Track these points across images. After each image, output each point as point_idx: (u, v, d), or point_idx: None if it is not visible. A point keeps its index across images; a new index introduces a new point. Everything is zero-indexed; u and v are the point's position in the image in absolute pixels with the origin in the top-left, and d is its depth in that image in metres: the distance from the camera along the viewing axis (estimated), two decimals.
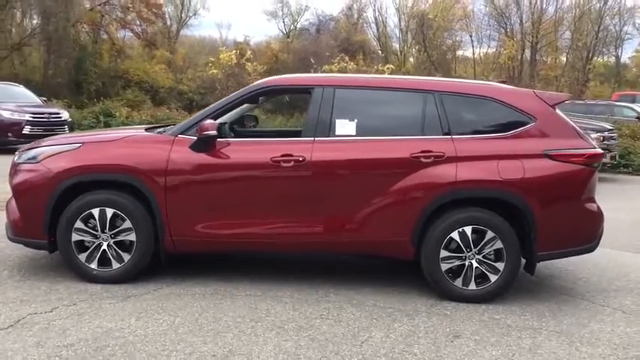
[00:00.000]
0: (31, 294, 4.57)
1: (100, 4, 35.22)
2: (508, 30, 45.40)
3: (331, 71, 29.90)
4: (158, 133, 5.08)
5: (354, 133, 4.84)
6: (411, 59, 46.78)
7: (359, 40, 40.76)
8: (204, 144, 4.75)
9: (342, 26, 44.37)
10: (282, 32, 48.25)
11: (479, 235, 4.72)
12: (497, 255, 4.75)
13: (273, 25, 52.89)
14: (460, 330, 4.23)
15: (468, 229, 4.71)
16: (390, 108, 4.97)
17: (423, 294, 4.91)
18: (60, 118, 15.03)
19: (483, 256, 4.74)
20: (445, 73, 41.58)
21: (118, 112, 18.46)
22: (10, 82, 17.13)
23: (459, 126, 4.84)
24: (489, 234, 4.71)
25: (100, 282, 4.81)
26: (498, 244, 4.72)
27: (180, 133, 4.87)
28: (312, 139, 4.81)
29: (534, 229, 4.71)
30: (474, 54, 47.32)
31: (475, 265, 4.75)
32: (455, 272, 4.78)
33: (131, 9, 36.94)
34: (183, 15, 47.14)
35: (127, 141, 5.00)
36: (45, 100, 16.47)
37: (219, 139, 4.85)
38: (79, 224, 4.77)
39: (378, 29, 46.66)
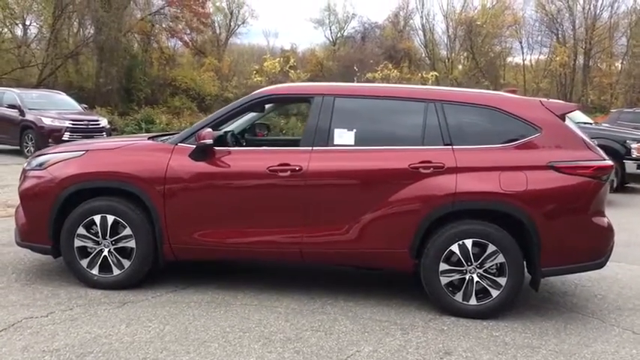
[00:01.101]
0: (32, 298, 4.68)
1: (150, 14, 36.09)
2: (560, 36, 44.39)
3: (374, 79, 29.89)
4: (161, 141, 5.12)
5: (352, 142, 4.78)
6: (460, 66, 46.21)
7: (405, 48, 40.60)
8: (202, 152, 4.77)
9: (387, 33, 44.22)
10: (329, 40, 48.43)
11: (480, 248, 4.58)
12: (499, 269, 4.61)
13: (320, 33, 53.25)
14: (453, 346, 4.11)
15: (469, 242, 4.58)
16: (390, 117, 4.89)
17: (423, 308, 4.79)
18: (98, 124, 15.52)
19: (485, 271, 4.60)
20: (493, 80, 40.95)
21: (159, 119, 18.85)
22: (53, 90, 17.75)
23: (460, 136, 4.72)
24: (491, 247, 4.56)
25: (101, 288, 4.88)
26: (500, 259, 4.57)
27: (181, 142, 4.91)
28: (310, 148, 4.77)
29: (538, 244, 4.54)
30: (523, 61, 46.46)
31: (476, 279, 4.61)
32: (455, 286, 4.65)
33: (180, 18, 37.70)
34: (232, 24, 47.94)
35: (128, 149, 5.07)
36: (86, 108, 17.00)
37: (220, 148, 4.88)
38: (81, 230, 4.86)
39: (425, 36, 46.31)
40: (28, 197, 5.01)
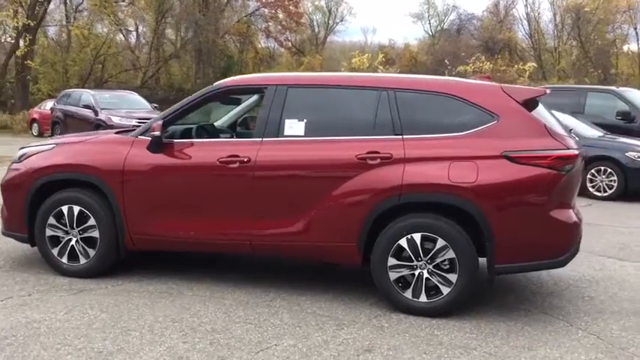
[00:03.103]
0: (1, 284, 4.93)
1: (245, 16, 37.16)
2: None
3: (466, 72, 28.99)
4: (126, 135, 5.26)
5: (302, 133, 4.66)
6: (572, 57, 43.69)
7: (504, 39, 38.94)
8: (157, 144, 4.83)
9: (486, 24, 42.66)
10: (428, 34, 47.50)
11: (430, 243, 4.33)
12: (451, 265, 4.33)
13: (419, 28, 52.28)
14: (378, 344, 3.91)
15: (417, 237, 4.33)
16: (342, 107, 4.73)
17: (378, 305, 4.59)
18: None
19: (435, 267, 4.34)
20: (603, 70, 38.47)
21: None
22: (128, 91, 18.85)
23: (412, 125, 4.47)
24: (440, 242, 4.30)
25: (69, 275, 5.07)
26: (450, 254, 4.29)
27: (141, 135, 5.01)
28: (260, 139, 4.71)
29: (490, 239, 4.23)
30: (639, 48, 43.10)
31: (426, 275, 4.36)
32: (406, 282, 4.43)
33: (275, 19, 38.52)
34: (330, 22, 48.32)
35: (92, 142, 5.25)
36: (156, 107, 17.89)
37: (181, 140, 4.97)
38: (52, 220, 5.07)
39: (530, 26, 44.19)
40: (7, 188, 5.30)
